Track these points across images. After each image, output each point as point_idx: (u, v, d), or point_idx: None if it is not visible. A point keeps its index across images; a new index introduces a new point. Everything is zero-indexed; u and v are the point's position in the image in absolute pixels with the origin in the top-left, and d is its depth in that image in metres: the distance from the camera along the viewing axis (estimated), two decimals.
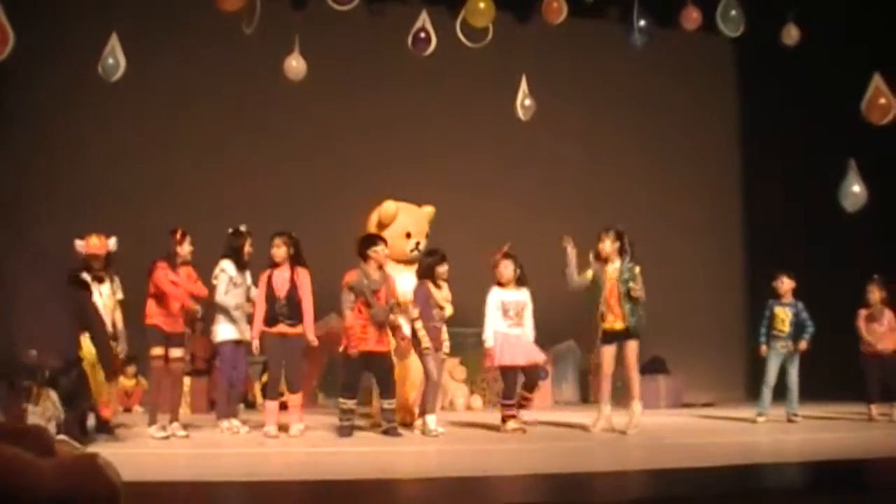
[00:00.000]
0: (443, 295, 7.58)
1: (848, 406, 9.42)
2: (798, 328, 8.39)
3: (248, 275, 7.72)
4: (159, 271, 7.10)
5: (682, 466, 5.06)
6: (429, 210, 8.86)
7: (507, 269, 7.53)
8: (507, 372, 7.52)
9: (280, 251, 7.23)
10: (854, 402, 9.62)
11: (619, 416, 7.50)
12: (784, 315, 8.44)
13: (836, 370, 9.89)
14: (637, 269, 7.42)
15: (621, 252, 7.44)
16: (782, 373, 8.48)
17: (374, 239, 7.39)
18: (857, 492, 3.93)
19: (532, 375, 7.65)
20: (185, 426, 7.34)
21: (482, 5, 9.14)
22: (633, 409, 7.40)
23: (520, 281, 7.58)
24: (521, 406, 7.64)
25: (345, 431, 7.10)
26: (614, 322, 7.37)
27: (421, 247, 8.45)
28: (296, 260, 7.27)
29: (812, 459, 5.45)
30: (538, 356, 7.68)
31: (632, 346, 7.40)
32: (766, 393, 8.41)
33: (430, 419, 7.33)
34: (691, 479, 4.57)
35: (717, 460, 5.39)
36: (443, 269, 7.57)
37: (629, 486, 4.37)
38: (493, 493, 4.11)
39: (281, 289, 7.17)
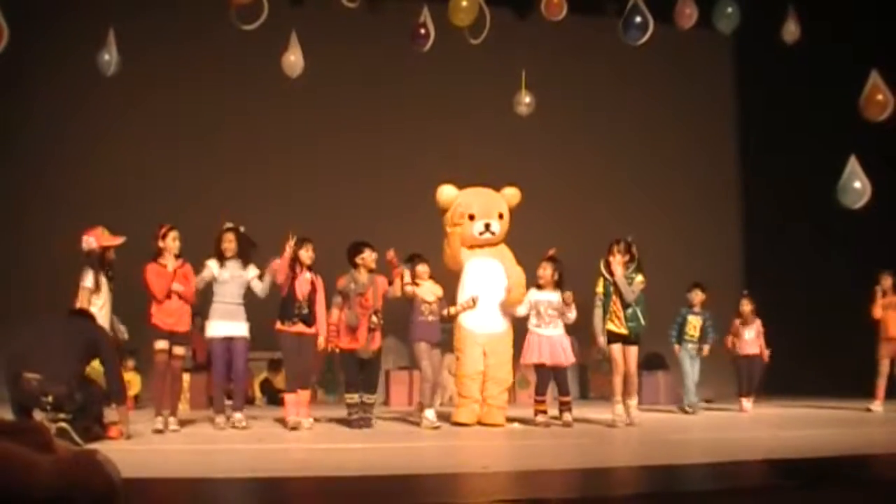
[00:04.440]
0: (429, 289, 7.88)
1: (847, 402, 9.45)
2: (703, 334, 9.71)
3: (247, 272, 7.50)
4: (146, 272, 7.24)
5: (681, 463, 5.08)
6: (509, 192, 8.33)
7: (545, 270, 7.85)
8: (537, 369, 7.90)
9: (311, 255, 7.51)
10: (849, 399, 9.66)
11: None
12: (696, 322, 9.74)
13: (830, 366, 9.98)
14: (639, 278, 7.89)
15: (628, 263, 7.93)
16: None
17: (360, 246, 7.62)
18: (854, 488, 3.94)
19: (561, 378, 7.89)
20: (181, 422, 7.45)
21: (464, 3, 9.19)
22: (629, 405, 7.90)
23: (558, 284, 7.86)
24: (561, 410, 7.80)
25: (355, 424, 7.41)
26: (619, 327, 7.86)
27: (494, 229, 8.05)
28: (313, 265, 7.59)
29: (809, 455, 5.45)
30: (565, 358, 7.88)
31: (632, 351, 7.93)
32: (692, 387, 9.58)
33: (429, 413, 7.58)
34: (689, 475, 4.58)
35: (715, 456, 5.39)
36: (421, 268, 7.92)
37: (627, 482, 4.38)
38: (493, 489, 4.11)
39: (302, 290, 7.44)
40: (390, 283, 7.65)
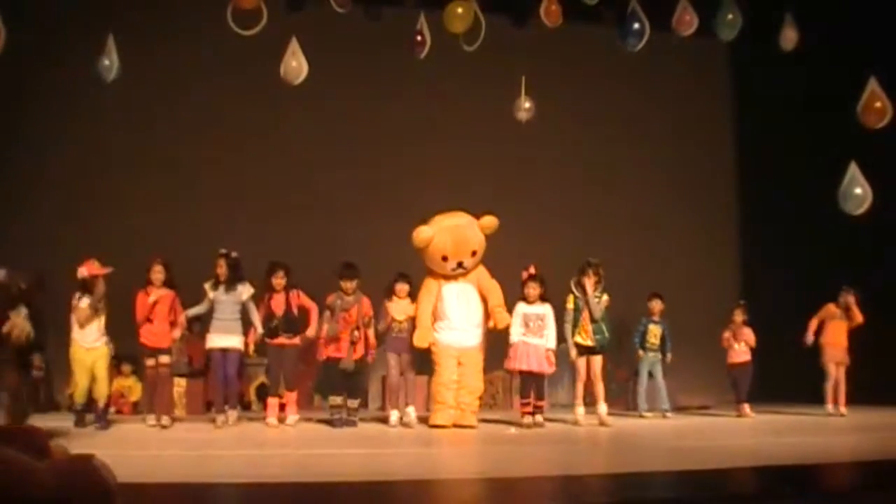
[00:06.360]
0: (401, 308, 8.59)
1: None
2: (663, 342, 10.10)
3: (240, 292, 8.36)
4: (136, 298, 8.33)
5: (677, 469, 5.09)
6: (486, 221, 8.61)
7: (534, 290, 8.51)
8: (522, 375, 8.54)
9: (283, 282, 8.52)
10: (849, 406, 9.66)
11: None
12: (656, 331, 10.15)
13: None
14: (604, 298, 8.73)
15: (597, 283, 8.73)
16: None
17: (342, 271, 8.53)
18: (850, 495, 3.95)
19: (539, 384, 8.54)
20: (174, 419, 8.51)
21: (460, 10, 9.31)
22: (600, 410, 8.70)
23: (543, 298, 8.52)
24: (534, 412, 8.47)
25: (337, 423, 8.34)
26: (585, 339, 8.69)
27: (466, 265, 8.51)
28: (290, 285, 8.56)
29: (807, 463, 5.47)
30: (545, 367, 8.48)
31: (597, 360, 8.75)
32: (643, 394, 10.00)
33: (393, 414, 8.49)
34: (687, 481, 4.59)
35: (713, 463, 5.41)
36: (400, 287, 8.61)
37: (622, 489, 4.39)
38: (487, 495, 4.13)
39: (279, 309, 8.48)
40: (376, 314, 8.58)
